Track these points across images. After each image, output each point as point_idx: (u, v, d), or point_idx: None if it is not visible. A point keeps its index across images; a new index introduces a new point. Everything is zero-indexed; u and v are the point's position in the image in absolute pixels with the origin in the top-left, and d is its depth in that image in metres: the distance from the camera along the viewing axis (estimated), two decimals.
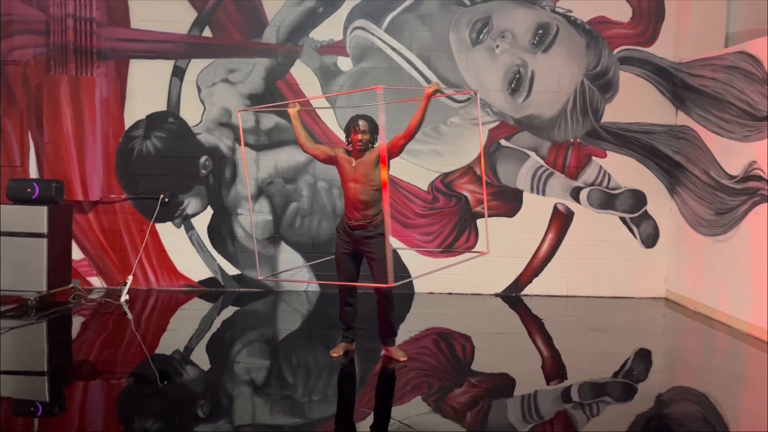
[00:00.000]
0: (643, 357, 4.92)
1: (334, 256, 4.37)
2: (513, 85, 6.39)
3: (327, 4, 6.29)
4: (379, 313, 4.33)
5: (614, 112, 6.46)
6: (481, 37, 6.35)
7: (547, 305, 6.25)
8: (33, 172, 6.26)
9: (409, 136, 3.97)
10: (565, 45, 6.38)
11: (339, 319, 4.46)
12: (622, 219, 6.54)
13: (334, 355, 4.40)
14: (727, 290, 5.60)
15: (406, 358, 4.36)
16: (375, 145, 4.15)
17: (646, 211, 6.53)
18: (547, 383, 4.25)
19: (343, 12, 6.31)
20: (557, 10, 6.38)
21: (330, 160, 4.25)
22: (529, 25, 6.36)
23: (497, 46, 6.35)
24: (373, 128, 4.10)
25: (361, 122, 4.08)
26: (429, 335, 5.30)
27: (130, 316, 5.51)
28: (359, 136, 4.06)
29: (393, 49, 6.33)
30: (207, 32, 6.28)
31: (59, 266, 5.69)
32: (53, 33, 6.08)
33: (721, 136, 5.72)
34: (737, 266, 5.46)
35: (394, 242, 6.37)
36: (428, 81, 6.32)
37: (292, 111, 4.28)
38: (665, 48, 6.42)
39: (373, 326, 4.56)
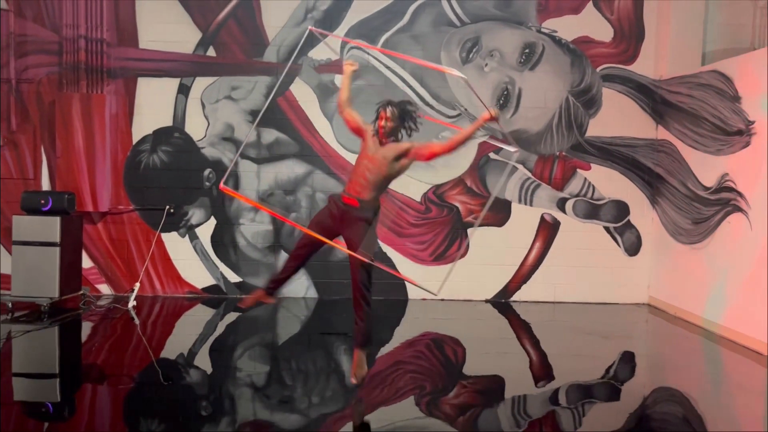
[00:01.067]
0: (626, 360, 5.16)
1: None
2: (501, 102, 6.72)
3: (325, 25, 6.63)
4: (356, 311, 4.08)
5: (598, 127, 6.78)
6: (470, 56, 6.69)
7: (534, 311, 6.54)
8: (45, 185, 6.56)
9: (449, 150, 3.88)
10: (551, 63, 6.71)
11: (280, 271, 4.29)
12: (606, 228, 6.85)
13: (242, 306, 4.45)
14: (702, 296, 5.90)
15: (357, 381, 4.08)
16: (402, 137, 4.01)
17: (629, 220, 6.83)
18: (536, 385, 4.47)
19: (340, 33, 6.63)
20: (543, 30, 6.73)
21: (358, 131, 4.05)
22: (517, 44, 6.70)
23: (486, 65, 6.69)
24: (402, 116, 3.95)
25: (389, 109, 3.92)
26: (422, 340, 5.56)
27: (137, 321, 5.77)
28: (382, 123, 3.89)
29: (387, 67, 6.66)
30: (211, 51, 6.61)
31: (70, 274, 5.98)
32: (66, 53, 6.41)
33: (696, 149, 6.05)
34: (712, 273, 5.76)
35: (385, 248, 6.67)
36: (421, 98, 6.65)
37: (348, 69, 4.09)
38: (645, 66, 6.76)
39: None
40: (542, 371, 4.81)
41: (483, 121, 3.80)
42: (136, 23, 6.53)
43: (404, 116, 3.95)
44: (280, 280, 4.28)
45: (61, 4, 6.38)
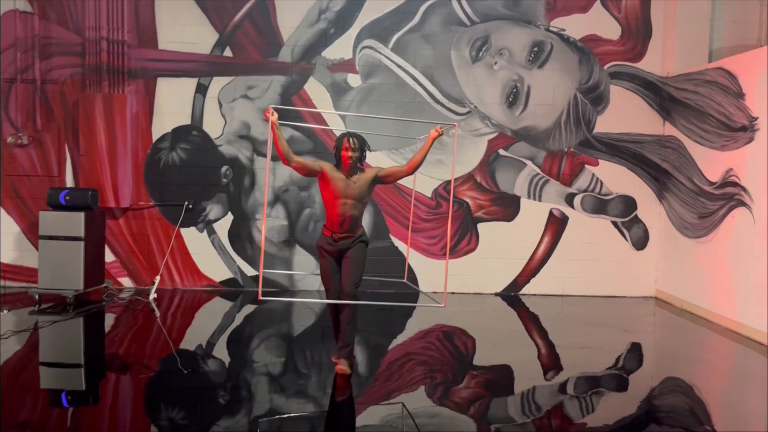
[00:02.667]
0: (634, 351, 5.27)
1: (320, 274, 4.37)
2: (510, 99, 6.85)
3: (338, 25, 6.80)
4: (341, 320, 4.19)
5: (605, 124, 6.90)
6: (480, 54, 6.83)
7: (543, 304, 6.67)
8: (69, 182, 6.80)
9: (411, 171, 4.11)
10: (559, 61, 6.84)
11: (335, 336, 4.39)
12: (614, 223, 6.97)
13: (340, 369, 4.22)
14: (708, 289, 6.01)
15: (348, 371, 4.20)
16: (363, 163, 4.20)
17: (636, 215, 6.95)
18: (545, 375, 4.57)
19: (352, 33, 6.80)
20: (551, 29, 6.85)
21: (313, 174, 4.14)
22: (525, 43, 6.83)
23: (495, 63, 6.82)
24: (362, 146, 4.15)
25: (352, 140, 4.09)
26: (433, 332, 5.68)
27: (157, 313, 5.97)
28: (350, 153, 4.06)
29: (399, 66, 6.82)
30: (228, 52, 6.80)
31: (94, 267, 6.21)
32: (88, 54, 6.64)
33: (702, 145, 6.15)
34: (717, 266, 5.88)
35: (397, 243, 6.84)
36: (431, 95, 6.80)
37: (274, 119, 3.97)
38: (653, 63, 6.86)
39: (380, 324, 4.96)
40: (551, 362, 4.92)
41: (431, 140, 4.07)
42: (156, 25, 6.74)
43: (363, 146, 4.14)
44: (341, 335, 4.25)
45: (84, 7, 6.61)
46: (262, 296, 4.14)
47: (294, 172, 6.72)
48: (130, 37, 6.68)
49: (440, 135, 4.14)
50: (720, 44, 6.77)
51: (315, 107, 6.79)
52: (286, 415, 3.71)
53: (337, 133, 6.83)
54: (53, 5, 6.67)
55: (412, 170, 4.12)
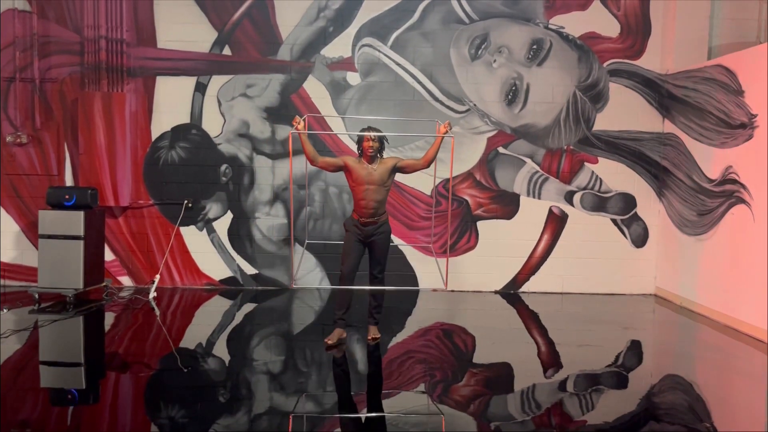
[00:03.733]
0: (633, 349, 5.27)
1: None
2: (510, 97, 6.85)
3: (337, 24, 6.80)
4: (370, 298, 5.01)
5: (605, 121, 6.90)
6: (479, 52, 6.82)
7: (543, 301, 6.68)
8: (69, 180, 6.80)
9: (427, 164, 4.73)
10: (558, 59, 6.84)
11: (337, 305, 4.97)
12: (614, 221, 6.97)
13: (329, 341, 4.87)
14: (707, 286, 6.02)
15: (374, 337, 4.99)
16: (383, 154, 4.81)
17: (635, 213, 6.95)
18: (544, 373, 4.58)
19: (351, 31, 6.80)
20: (550, 26, 6.85)
21: (339, 169, 4.80)
22: (525, 40, 6.82)
23: (495, 61, 6.82)
24: (381, 140, 4.75)
25: (372, 132, 4.71)
26: (433, 329, 5.69)
27: (157, 311, 5.97)
28: (371, 143, 4.68)
29: (398, 64, 6.82)
30: (227, 51, 6.80)
31: (93, 266, 6.22)
32: (87, 53, 6.63)
33: (701, 142, 6.15)
34: (716, 263, 5.88)
35: (396, 241, 6.85)
36: (431, 93, 6.80)
37: (300, 126, 4.67)
38: (652, 61, 6.86)
39: (381, 322, 5.00)
40: (551, 360, 4.93)
41: (441, 136, 4.70)
42: (155, 24, 6.73)
43: (381, 138, 4.74)
44: (344, 306, 4.97)
45: (83, 5, 6.60)
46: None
47: (294, 169, 6.82)
48: (129, 35, 6.67)
49: (447, 131, 4.72)
50: (719, 41, 6.77)
51: (314, 105, 6.79)
52: (286, 414, 3.72)
53: (337, 132, 6.85)
54: (52, 4, 6.67)
55: (427, 164, 4.73)
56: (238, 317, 6.06)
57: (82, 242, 6.00)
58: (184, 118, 6.82)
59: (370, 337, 5.00)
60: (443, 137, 4.70)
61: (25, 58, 6.66)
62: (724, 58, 5.88)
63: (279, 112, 6.80)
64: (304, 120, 4.78)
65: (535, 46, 6.83)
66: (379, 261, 4.89)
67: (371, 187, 4.69)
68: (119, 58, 6.63)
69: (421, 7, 6.79)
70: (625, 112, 6.88)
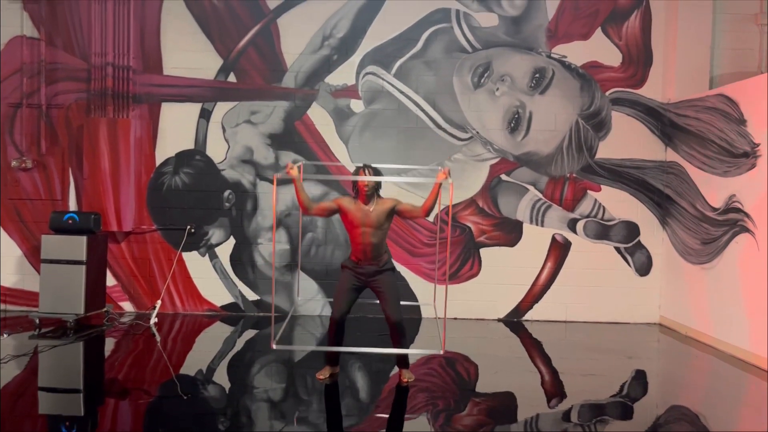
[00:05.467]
0: (638, 379, 5.20)
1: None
2: (512, 125, 6.89)
3: (341, 52, 6.87)
4: (394, 343, 4.61)
5: (607, 149, 6.92)
6: (482, 80, 6.88)
7: (546, 330, 6.62)
8: (72, 205, 6.82)
9: (424, 214, 4.37)
10: (561, 87, 6.88)
11: (328, 343, 4.65)
12: (617, 248, 6.95)
13: (321, 377, 4.69)
14: (712, 315, 5.97)
15: (408, 379, 4.67)
16: (379, 193, 4.52)
17: (639, 241, 6.93)
18: (548, 403, 4.53)
19: (355, 59, 6.87)
20: (552, 55, 6.91)
21: (333, 212, 4.53)
22: (527, 69, 6.88)
23: (497, 89, 6.87)
24: (377, 184, 4.47)
25: (368, 170, 4.46)
26: (435, 358, 5.63)
27: (158, 337, 5.95)
28: (367, 191, 4.40)
29: (401, 92, 6.87)
30: (232, 78, 6.87)
31: (95, 291, 6.20)
32: (94, 80, 6.71)
33: (704, 171, 6.16)
34: (721, 292, 5.84)
35: (400, 269, 6.82)
36: (434, 121, 6.84)
37: (294, 173, 4.31)
38: (654, 90, 6.90)
39: (381, 347, 4.95)
40: (554, 389, 4.87)
41: (439, 181, 4.25)
42: (161, 51, 6.82)
43: (376, 183, 4.45)
44: (333, 352, 4.70)
45: (91, 33, 6.70)
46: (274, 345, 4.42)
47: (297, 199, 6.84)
48: (136, 62, 6.75)
49: (446, 178, 4.27)
50: (721, 71, 6.82)
51: (318, 132, 6.83)
52: None
53: (341, 158, 6.88)
54: (60, 31, 6.77)
55: (426, 213, 4.37)
56: (239, 344, 6.02)
57: (84, 267, 6.00)
58: (189, 144, 6.86)
59: (404, 380, 4.68)
60: (441, 184, 4.29)
61: (33, 84, 6.73)
62: (725, 88, 5.91)
63: (283, 139, 6.84)
64: (298, 167, 4.51)
65: (537, 75, 6.88)
66: (391, 300, 4.48)
67: (368, 230, 4.41)
68: (125, 84, 6.70)
69: (424, 36, 6.87)
70: (628, 140, 6.90)
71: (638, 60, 6.93)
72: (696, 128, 6.31)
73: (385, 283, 4.50)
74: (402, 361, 4.73)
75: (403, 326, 4.55)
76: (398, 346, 4.57)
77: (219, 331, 6.36)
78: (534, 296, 6.96)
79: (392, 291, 4.51)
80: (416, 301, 6.83)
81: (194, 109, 6.86)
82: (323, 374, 4.73)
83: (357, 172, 4.52)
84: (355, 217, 4.42)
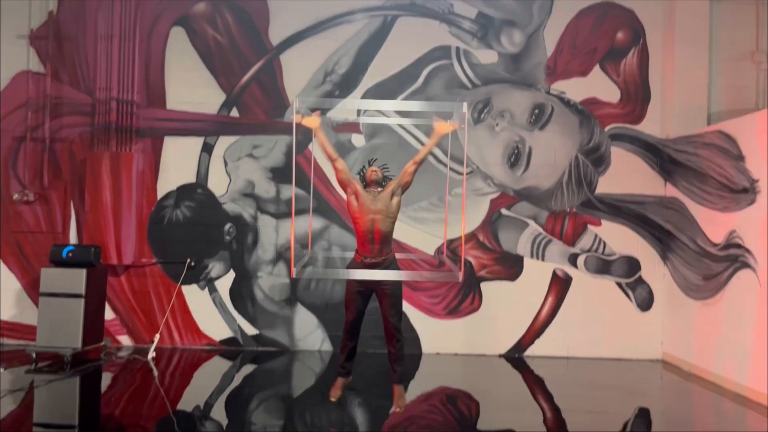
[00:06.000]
0: (642, 416, 5.14)
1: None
2: (512, 160, 6.94)
3: (342, 88, 6.96)
4: (389, 353, 4.51)
5: (607, 184, 6.95)
6: (482, 116, 6.95)
7: (548, 366, 6.55)
8: (73, 238, 6.82)
9: (419, 162, 4.42)
10: (560, 123, 6.95)
11: (340, 351, 4.60)
12: (618, 284, 6.92)
13: (334, 399, 4.54)
14: (715, 352, 5.91)
15: (400, 408, 4.49)
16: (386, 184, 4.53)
17: (640, 276, 6.90)
18: None
19: (357, 95, 6.95)
20: (551, 92, 6.99)
21: (348, 182, 4.40)
22: (526, 105, 6.96)
23: (497, 125, 6.94)
24: (384, 176, 4.55)
25: (374, 163, 4.62)
26: (436, 394, 5.59)
27: (155, 372, 5.89)
28: (374, 176, 4.46)
29: (402, 127, 6.93)
30: (234, 112, 6.94)
31: (93, 325, 6.16)
32: (98, 114, 6.78)
33: (704, 206, 6.17)
34: (724, 329, 5.80)
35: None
36: (434, 155, 6.88)
37: (313, 122, 4.34)
38: (652, 126, 6.96)
39: (381, 386, 4.88)
40: (556, 427, 4.81)
41: (439, 136, 4.48)
42: (165, 86, 6.91)
43: (383, 174, 4.54)
44: (347, 356, 4.58)
45: (96, 68, 6.80)
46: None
47: (297, 229, 6.84)
48: (140, 97, 6.84)
49: (448, 131, 4.47)
50: (718, 108, 6.89)
51: (319, 166, 6.87)
52: None
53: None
54: (66, 67, 6.87)
55: (419, 161, 4.45)
56: (237, 379, 5.97)
57: (82, 300, 5.97)
58: (190, 178, 6.90)
59: (395, 407, 4.51)
60: (440, 137, 4.45)
61: (37, 118, 6.80)
62: (723, 124, 5.97)
63: (284, 173, 6.88)
64: (317, 115, 4.42)
65: (536, 111, 6.96)
66: (392, 304, 4.39)
67: (377, 216, 4.30)
68: (129, 118, 6.78)
69: (425, 72, 6.97)
70: (627, 175, 6.93)
71: (636, 96, 7.01)
72: (695, 164, 6.35)
73: (391, 284, 4.38)
74: (397, 372, 4.53)
75: (400, 332, 4.44)
76: (393, 354, 4.47)
77: (217, 366, 6.31)
78: (535, 331, 6.90)
79: (396, 294, 4.41)
80: (416, 336, 6.77)
81: (197, 143, 6.91)
82: (335, 393, 4.57)
83: (365, 165, 4.63)
84: (365, 202, 4.34)
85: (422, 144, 6.91)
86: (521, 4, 7.02)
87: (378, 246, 4.33)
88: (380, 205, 4.34)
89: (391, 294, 4.38)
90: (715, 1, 6.97)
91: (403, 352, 4.53)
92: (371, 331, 5.65)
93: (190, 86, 6.92)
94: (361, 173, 4.59)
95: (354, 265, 4.43)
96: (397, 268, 4.50)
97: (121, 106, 6.77)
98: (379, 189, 4.45)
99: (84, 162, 6.77)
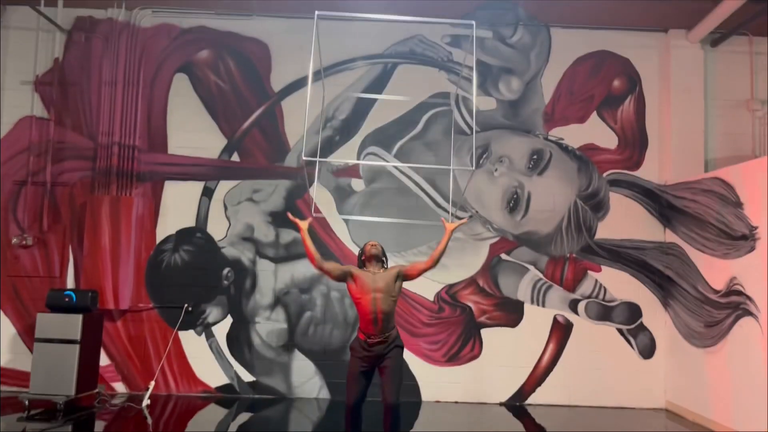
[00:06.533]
0: None
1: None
2: (511, 205, 6.95)
3: (343, 133, 7.02)
4: (385, 428, 4.36)
5: (607, 230, 6.94)
6: (481, 161, 7.00)
7: (550, 415, 6.42)
8: (70, 283, 6.77)
9: (432, 262, 4.44)
10: (558, 169, 6.99)
11: None
12: (620, 330, 6.85)
13: None
14: (719, 401, 5.80)
15: None
16: (386, 266, 4.61)
17: (641, 322, 6.84)
18: None
19: (357, 140, 7.02)
20: (550, 138, 7.06)
21: (344, 276, 4.47)
22: (525, 151, 7.01)
23: (496, 170, 6.98)
24: (383, 250, 4.61)
25: (375, 240, 4.67)
26: None
27: (149, 420, 5.78)
28: (373, 246, 4.55)
29: (401, 171, 6.98)
30: (235, 157, 6.99)
31: (87, 371, 6.07)
32: (100, 158, 6.83)
33: (704, 253, 6.15)
34: (727, 377, 5.70)
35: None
36: (434, 200, 6.91)
37: (304, 225, 4.49)
38: (650, 172, 7.00)
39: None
40: None
41: (450, 232, 4.53)
42: (167, 131, 6.97)
43: (383, 249, 4.63)
44: None
45: (100, 113, 6.88)
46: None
47: (295, 273, 6.82)
48: (141, 142, 6.90)
49: (458, 226, 4.55)
50: (715, 154, 6.95)
51: (319, 211, 6.88)
52: None
53: (341, 236, 6.89)
54: (70, 112, 6.94)
55: (433, 263, 4.45)
56: (233, 427, 5.85)
57: (78, 346, 5.90)
58: (190, 222, 6.90)
59: None
60: (452, 233, 4.52)
61: (39, 162, 6.84)
62: (721, 171, 6.00)
63: (284, 217, 6.87)
64: (307, 220, 4.56)
65: (535, 156, 7.01)
66: (392, 381, 4.34)
67: (378, 295, 4.35)
68: (130, 163, 6.82)
69: (424, 118, 7.05)
70: (627, 221, 6.94)
71: (634, 143, 7.07)
72: (694, 210, 6.36)
73: (392, 359, 4.38)
74: None
75: (398, 411, 4.34)
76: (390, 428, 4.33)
77: (213, 414, 6.18)
78: (537, 379, 6.80)
79: (396, 371, 4.38)
80: (416, 384, 6.67)
81: (197, 187, 6.94)
82: None
83: (365, 244, 4.66)
84: (365, 283, 4.39)
85: (422, 189, 6.95)
86: (519, 52, 7.15)
87: (381, 325, 4.37)
88: (381, 284, 4.40)
89: (392, 372, 4.36)
90: (709, 51, 7.10)
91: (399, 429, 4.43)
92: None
93: (192, 131, 6.99)
94: (360, 254, 4.66)
95: (359, 343, 4.43)
96: (401, 342, 4.49)
97: (123, 150, 6.82)
98: (380, 266, 4.53)
99: (84, 206, 6.77)
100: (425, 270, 4.48)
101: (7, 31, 7.06)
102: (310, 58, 4.91)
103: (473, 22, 4.94)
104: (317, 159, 5.28)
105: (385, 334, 4.38)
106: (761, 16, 6.56)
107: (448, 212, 6.91)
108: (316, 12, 4.78)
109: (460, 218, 6.86)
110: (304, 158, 4.60)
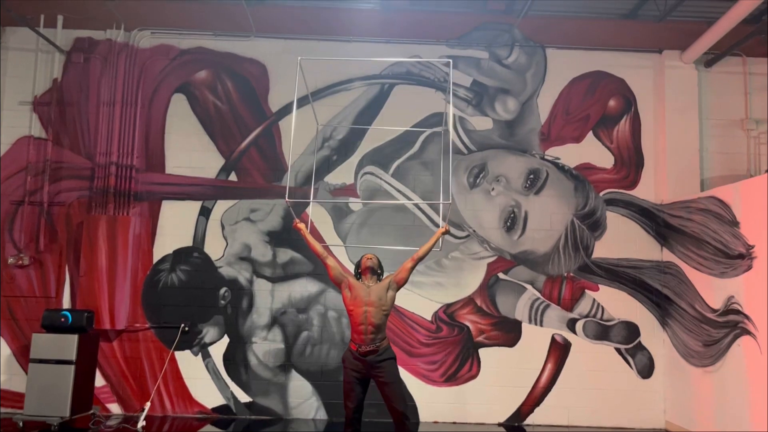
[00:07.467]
0: None
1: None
2: (508, 224, 6.96)
3: (340, 153, 7.05)
4: None
5: (604, 249, 6.95)
6: (478, 181, 7.02)
7: None
8: (66, 303, 6.74)
9: (417, 259, 4.73)
10: (555, 188, 7.02)
11: None
12: (618, 350, 6.82)
13: None
14: (718, 420, 5.77)
15: None
16: (382, 278, 4.82)
17: (639, 342, 6.81)
18: None
19: (354, 160, 7.03)
20: (546, 157, 7.09)
21: (340, 279, 4.72)
22: (521, 170, 7.04)
23: (493, 189, 7.00)
24: (380, 262, 4.85)
25: (370, 254, 4.87)
26: None
27: None
28: (369, 259, 4.79)
29: (398, 191, 6.99)
30: (233, 177, 7.00)
31: (82, 393, 6.02)
32: (97, 178, 6.84)
33: (701, 272, 6.16)
34: (726, 397, 5.67)
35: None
36: (430, 219, 6.92)
37: (302, 226, 4.84)
38: (646, 191, 7.03)
39: None
40: None
41: (439, 235, 4.77)
42: (164, 150, 6.99)
43: (380, 262, 4.86)
44: None
45: (98, 133, 6.90)
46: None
47: (292, 293, 6.79)
48: (139, 162, 6.91)
49: (446, 232, 4.81)
50: (711, 174, 6.99)
51: (316, 230, 6.88)
52: None
53: (339, 256, 6.88)
54: (67, 131, 6.96)
55: (417, 259, 4.73)
56: None
57: (73, 367, 5.86)
58: (187, 241, 6.89)
59: None
60: (439, 236, 4.77)
61: (36, 182, 6.85)
62: (717, 190, 6.02)
63: (281, 236, 6.88)
64: (305, 222, 4.93)
65: (532, 176, 7.03)
66: (394, 391, 4.50)
67: (370, 309, 4.56)
68: (127, 183, 6.82)
69: (421, 138, 7.08)
70: (624, 240, 6.95)
71: (630, 162, 7.11)
72: (690, 229, 6.38)
73: (387, 372, 4.53)
74: None
75: (409, 418, 4.52)
76: None
77: None
78: (535, 399, 6.75)
79: (395, 381, 4.54)
80: (414, 404, 6.62)
81: (194, 206, 6.94)
82: None
83: (361, 257, 4.88)
84: (359, 295, 4.61)
85: (418, 207, 6.95)
86: (515, 72, 7.21)
87: (371, 336, 4.55)
88: (374, 298, 4.60)
89: (388, 381, 4.52)
90: (703, 71, 7.17)
91: None
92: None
93: (190, 151, 7.00)
94: (356, 266, 4.89)
95: (350, 353, 4.61)
96: (392, 354, 4.64)
97: (120, 170, 6.83)
98: (375, 278, 4.75)
99: (81, 226, 6.77)
100: (413, 266, 4.74)
101: (7, 51, 7.11)
102: (295, 88, 5.17)
103: (450, 60, 5.52)
104: (301, 200, 5.32)
105: (375, 344, 4.55)
106: (754, 37, 6.64)
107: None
108: (300, 58, 4.98)
109: (456, 236, 6.90)
110: (287, 200, 4.81)
